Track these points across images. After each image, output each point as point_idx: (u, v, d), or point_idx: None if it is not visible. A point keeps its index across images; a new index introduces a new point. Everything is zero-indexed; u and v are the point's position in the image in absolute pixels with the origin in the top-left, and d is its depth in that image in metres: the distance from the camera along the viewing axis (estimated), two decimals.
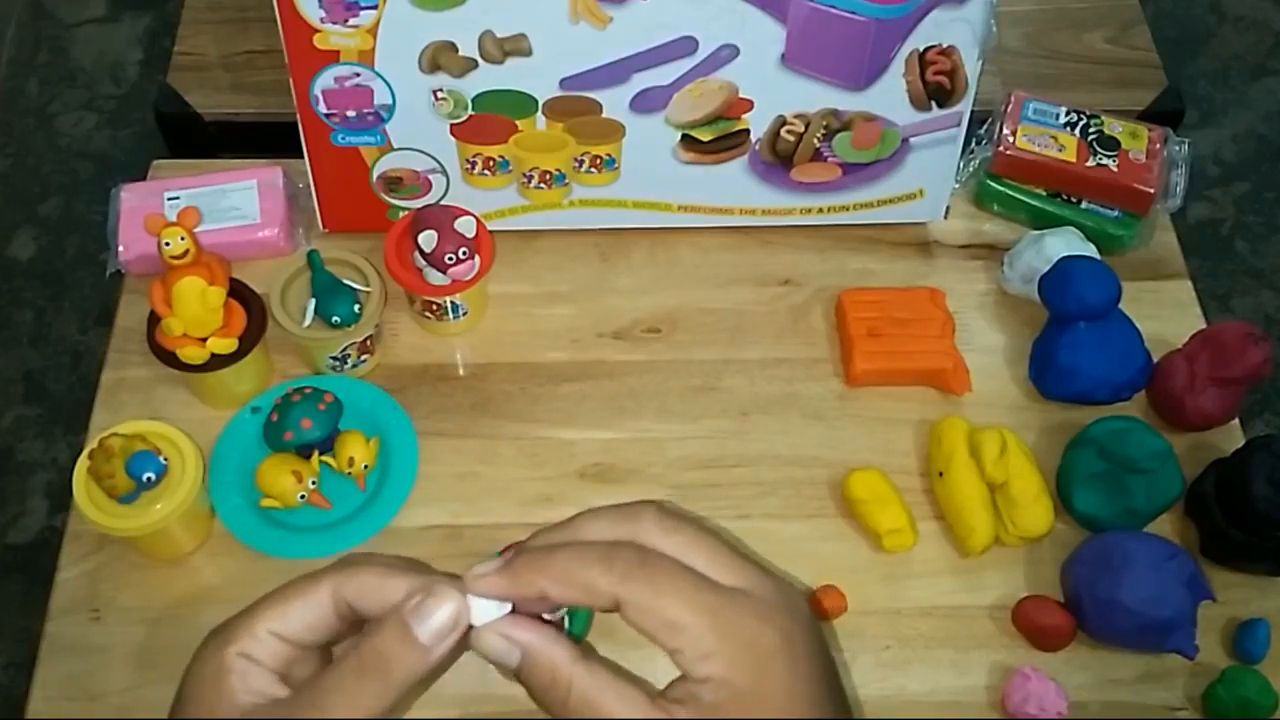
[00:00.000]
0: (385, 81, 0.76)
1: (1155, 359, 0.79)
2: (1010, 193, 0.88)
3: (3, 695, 1.35)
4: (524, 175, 0.83)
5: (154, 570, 0.73)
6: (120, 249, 0.82)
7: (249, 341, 0.75)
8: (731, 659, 0.36)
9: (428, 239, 0.76)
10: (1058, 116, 0.88)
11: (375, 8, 0.72)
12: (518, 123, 0.79)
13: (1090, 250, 0.82)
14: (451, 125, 0.79)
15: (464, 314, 0.81)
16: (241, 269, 0.78)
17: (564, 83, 0.77)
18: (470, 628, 0.38)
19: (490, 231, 0.80)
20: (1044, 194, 0.87)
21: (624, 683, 0.37)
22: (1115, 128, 0.87)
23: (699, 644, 0.36)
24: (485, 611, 0.38)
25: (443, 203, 0.84)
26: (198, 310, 0.72)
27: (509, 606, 0.38)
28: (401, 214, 0.82)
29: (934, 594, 0.74)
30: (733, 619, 0.36)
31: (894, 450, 0.78)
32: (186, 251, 0.71)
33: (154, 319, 0.74)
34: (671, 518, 0.39)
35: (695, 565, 0.38)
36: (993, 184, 0.88)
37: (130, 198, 0.84)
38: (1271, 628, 0.72)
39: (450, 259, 0.76)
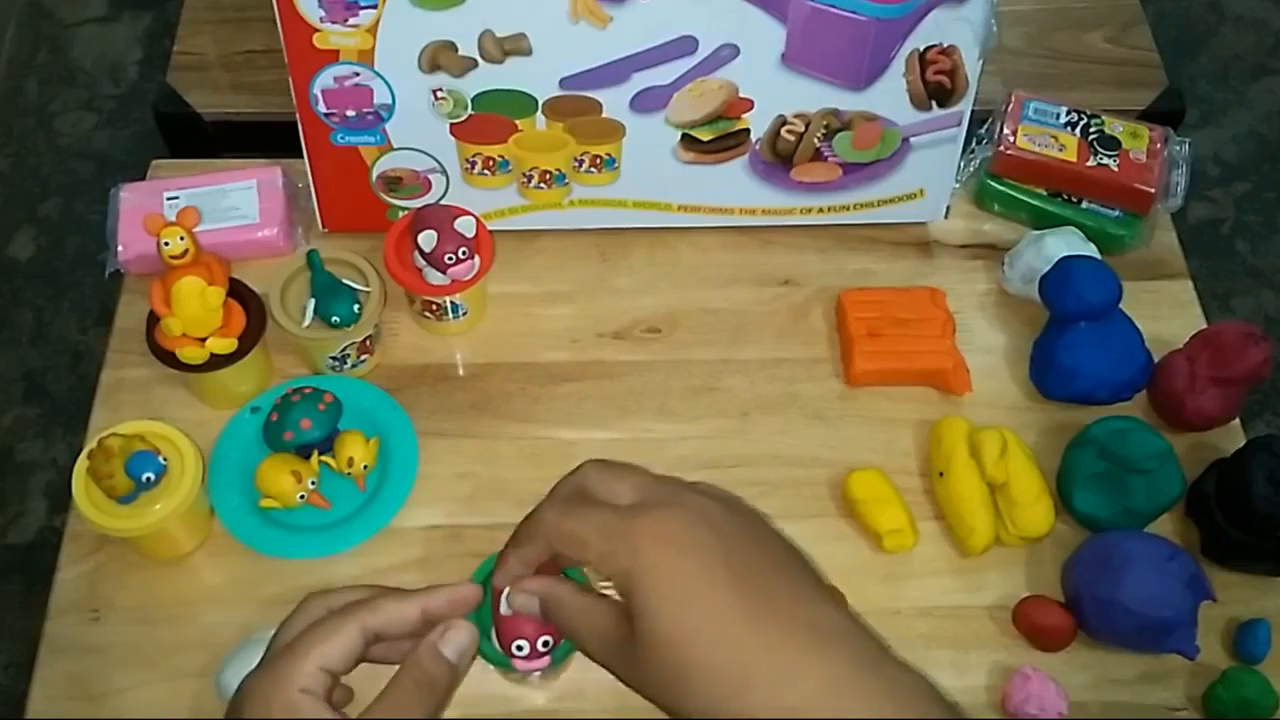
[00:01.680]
0: (385, 81, 0.76)
1: (1156, 359, 0.79)
2: (1011, 192, 0.88)
3: (3, 695, 1.35)
4: (524, 175, 0.83)
5: (153, 570, 0.73)
6: (119, 249, 0.82)
7: (248, 341, 0.75)
8: (610, 553, 0.45)
9: (427, 239, 0.75)
10: (1058, 116, 0.88)
11: (375, 7, 0.72)
12: (517, 122, 0.79)
13: (1091, 250, 0.82)
14: (451, 125, 0.79)
15: (464, 314, 0.81)
16: (241, 269, 0.78)
17: (564, 82, 0.77)
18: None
19: (490, 231, 0.79)
20: (1044, 194, 0.87)
21: (598, 596, 0.47)
22: (1116, 127, 0.87)
23: (587, 549, 0.46)
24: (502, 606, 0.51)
25: (442, 202, 0.84)
26: (197, 310, 0.72)
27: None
28: (401, 214, 0.81)
29: (934, 594, 0.73)
30: (616, 523, 0.45)
31: (894, 450, 0.78)
32: (186, 251, 0.71)
33: (153, 319, 0.74)
34: (606, 465, 0.50)
35: (621, 496, 0.47)
36: (993, 184, 0.88)
37: (130, 197, 0.84)
38: (1272, 628, 0.72)
39: (450, 259, 0.76)
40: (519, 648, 0.53)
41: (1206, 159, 1.78)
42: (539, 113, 0.78)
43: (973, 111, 0.81)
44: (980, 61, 0.78)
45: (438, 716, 0.47)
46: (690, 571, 0.44)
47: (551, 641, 0.53)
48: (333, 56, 0.75)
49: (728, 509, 0.47)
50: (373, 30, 0.73)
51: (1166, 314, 0.84)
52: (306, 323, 0.77)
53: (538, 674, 0.67)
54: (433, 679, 0.47)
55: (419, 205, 0.82)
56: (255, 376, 0.78)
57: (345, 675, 0.48)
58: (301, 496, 0.72)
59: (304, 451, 0.73)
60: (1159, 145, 0.87)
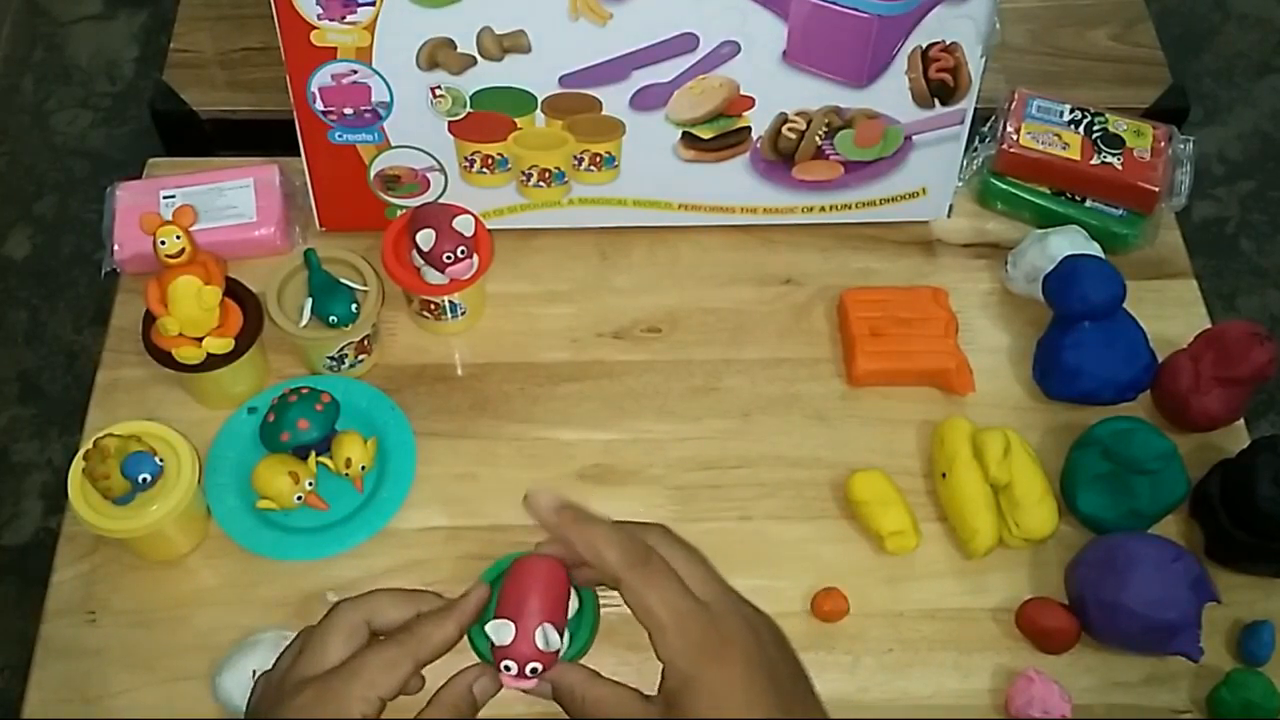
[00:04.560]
0: (383, 79, 0.76)
1: (1160, 359, 0.79)
2: (1014, 191, 0.87)
3: None
4: (523, 173, 0.82)
5: (149, 572, 0.72)
6: (116, 248, 0.82)
7: (245, 341, 0.74)
8: (683, 650, 0.49)
9: (426, 238, 0.75)
10: (1062, 114, 0.87)
11: (373, 4, 0.72)
12: (517, 120, 0.79)
13: (1094, 249, 0.82)
14: (450, 123, 0.79)
15: (462, 313, 0.81)
16: (238, 268, 0.77)
17: (563, 80, 0.76)
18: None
19: (489, 230, 0.79)
20: (1048, 192, 0.87)
21: (619, 688, 0.52)
22: (1120, 125, 0.87)
23: (663, 632, 0.50)
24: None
25: (441, 201, 0.83)
26: (193, 310, 0.71)
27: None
28: (399, 212, 0.81)
29: (937, 596, 0.73)
30: (693, 621, 0.50)
31: (896, 451, 0.78)
32: (182, 250, 0.70)
33: (149, 318, 0.73)
34: (675, 539, 0.54)
35: (682, 576, 0.51)
36: (996, 182, 0.88)
37: (126, 196, 0.83)
38: (1276, 630, 0.71)
39: (448, 258, 0.76)
40: (506, 668, 0.53)
41: (1211, 157, 1.78)
42: (538, 110, 0.78)
43: (975, 109, 0.80)
44: (983, 59, 0.77)
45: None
46: (743, 680, 0.49)
47: (540, 669, 0.53)
48: (330, 54, 0.74)
49: (767, 625, 0.53)
50: (370, 27, 0.73)
51: (1171, 313, 0.84)
52: (304, 322, 0.76)
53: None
54: (460, 713, 0.53)
55: (417, 204, 0.82)
56: (252, 376, 0.77)
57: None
58: (299, 498, 0.72)
59: (301, 452, 0.73)
60: (1163, 143, 0.86)
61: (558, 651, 0.54)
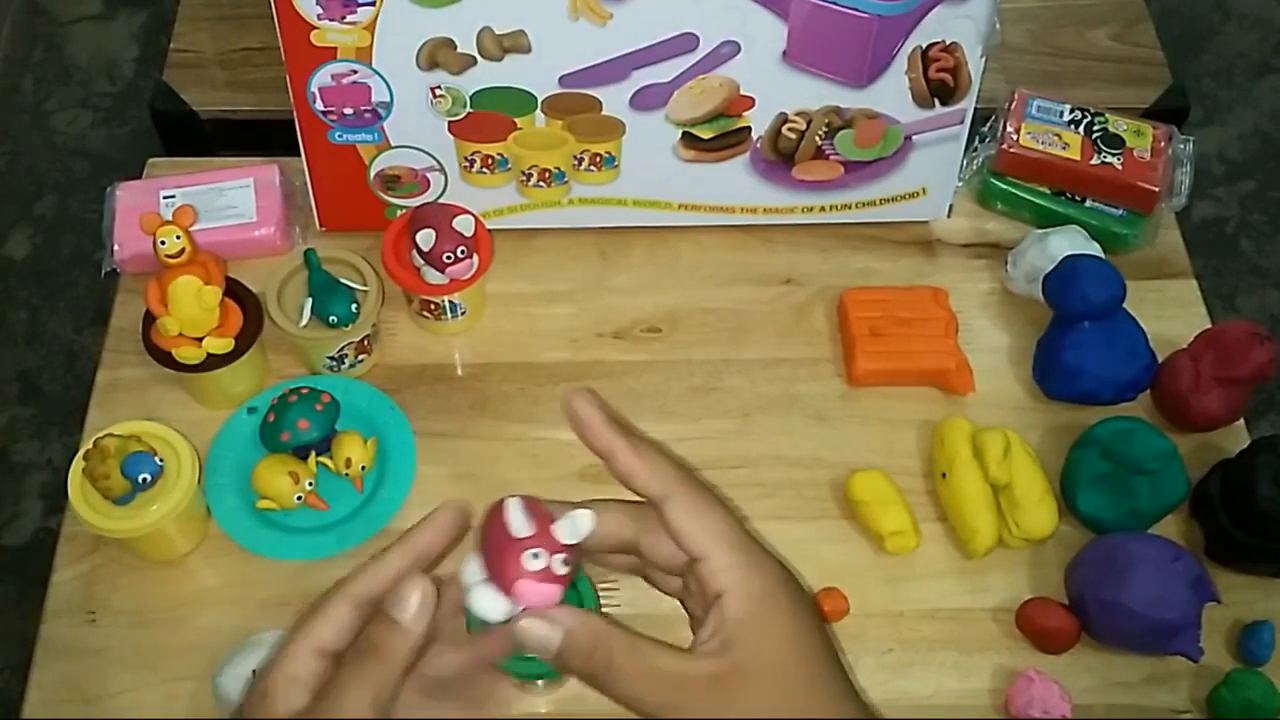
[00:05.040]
0: (383, 79, 0.76)
1: (1160, 359, 0.79)
2: (1014, 191, 0.87)
3: None
4: (523, 173, 0.82)
5: (149, 572, 0.72)
6: (116, 248, 0.82)
7: (245, 341, 0.74)
8: (748, 571, 0.43)
9: (426, 238, 0.75)
10: (1062, 114, 0.87)
11: (373, 4, 0.72)
12: (517, 120, 0.79)
13: (1094, 249, 0.82)
14: (450, 123, 0.79)
15: (462, 313, 0.81)
16: (238, 268, 0.77)
17: (563, 80, 0.76)
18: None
19: (489, 230, 0.79)
20: (1048, 192, 0.87)
21: (654, 640, 0.43)
22: (1120, 125, 0.87)
23: (727, 553, 0.43)
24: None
25: (441, 201, 0.83)
26: (193, 310, 0.71)
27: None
28: (399, 212, 0.81)
29: (937, 596, 0.73)
30: (752, 546, 0.44)
31: (896, 451, 0.78)
32: (182, 250, 0.70)
33: (150, 318, 0.73)
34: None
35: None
36: (996, 182, 0.88)
37: (126, 196, 0.83)
38: (1276, 630, 0.71)
39: (448, 258, 0.76)
40: (535, 556, 0.42)
41: (1210, 157, 1.77)
42: (538, 110, 0.78)
43: (975, 109, 0.80)
44: (983, 59, 0.77)
45: (397, 684, 0.42)
46: (812, 616, 0.45)
47: (569, 565, 0.42)
48: (330, 54, 0.74)
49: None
50: (370, 27, 0.73)
51: (1171, 313, 0.84)
52: (304, 322, 0.76)
53: (540, 683, 0.66)
54: (379, 649, 0.42)
55: (417, 204, 0.82)
56: (252, 376, 0.77)
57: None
58: (299, 497, 0.72)
59: (301, 452, 0.73)
60: (1163, 143, 0.86)
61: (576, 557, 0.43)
